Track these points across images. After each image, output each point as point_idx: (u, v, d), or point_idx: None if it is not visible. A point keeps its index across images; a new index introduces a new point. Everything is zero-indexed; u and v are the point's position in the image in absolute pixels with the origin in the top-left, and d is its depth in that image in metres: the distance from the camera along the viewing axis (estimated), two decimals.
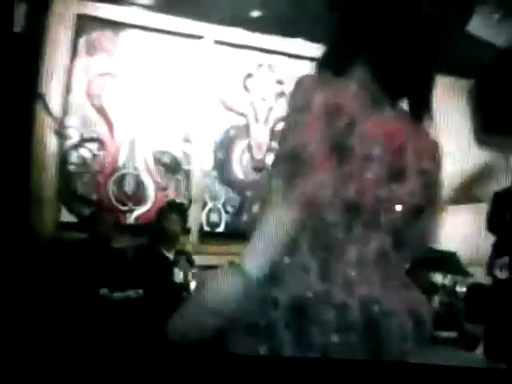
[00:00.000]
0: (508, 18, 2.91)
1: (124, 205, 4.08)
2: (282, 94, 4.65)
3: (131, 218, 4.10)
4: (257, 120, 4.58)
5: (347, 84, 1.29)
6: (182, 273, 3.60)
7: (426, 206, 1.31)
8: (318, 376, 1.31)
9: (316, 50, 5.01)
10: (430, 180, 1.31)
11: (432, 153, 1.33)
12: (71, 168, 3.93)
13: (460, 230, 3.54)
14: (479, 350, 3.67)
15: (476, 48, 2.99)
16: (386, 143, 1.24)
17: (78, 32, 3.95)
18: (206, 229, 4.36)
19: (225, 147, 4.46)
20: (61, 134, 3.86)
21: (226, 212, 4.44)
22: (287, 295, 1.25)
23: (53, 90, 3.83)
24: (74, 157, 3.93)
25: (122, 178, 4.10)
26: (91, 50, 4.01)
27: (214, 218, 4.40)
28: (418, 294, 1.37)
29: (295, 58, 4.65)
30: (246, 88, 4.56)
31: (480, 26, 2.85)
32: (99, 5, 3.99)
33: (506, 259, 3.31)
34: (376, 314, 1.28)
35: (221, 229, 4.41)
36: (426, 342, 1.38)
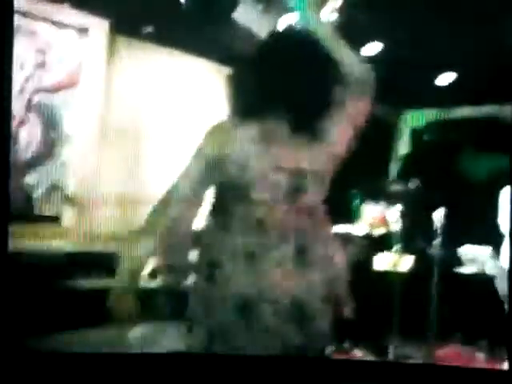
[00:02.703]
0: (269, 10, 3.07)
1: None
2: (42, 64, 4.30)
3: None
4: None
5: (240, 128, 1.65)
6: None
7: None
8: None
9: (83, 18, 4.65)
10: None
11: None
12: None
13: None
14: None
15: (240, 36, 3.10)
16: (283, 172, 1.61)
17: None
18: None
19: None
20: None
21: None
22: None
23: None
24: None
25: None
26: None
27: None
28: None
29: (59, 27, 4.35)
30: None
31: (244, 14, 2.96)
32: None
33: None
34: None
35: None
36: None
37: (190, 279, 1.70)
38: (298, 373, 1.46)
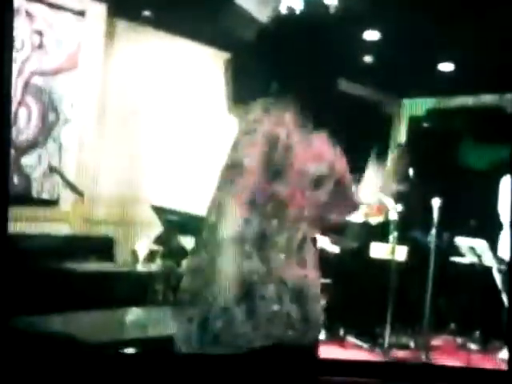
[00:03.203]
0: None
1: None
2: (40, 46, 4.26)
3: None
4: None
5: (284, 113, 1.62)
6: None
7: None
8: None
9: (79, 1, 4.61)
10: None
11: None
12: None
13: None
14: None
15: (240, 21, 3.07)
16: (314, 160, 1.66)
17: None
18: None
19: None
20: None
21: None
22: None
23: None
24: None
25: None
26: None
27: None
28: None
29: (57, 9, 4.30)
30: None
31: None
32: None
33: None
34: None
35: None
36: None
37: (192, 261, 1.66)
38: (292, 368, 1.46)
